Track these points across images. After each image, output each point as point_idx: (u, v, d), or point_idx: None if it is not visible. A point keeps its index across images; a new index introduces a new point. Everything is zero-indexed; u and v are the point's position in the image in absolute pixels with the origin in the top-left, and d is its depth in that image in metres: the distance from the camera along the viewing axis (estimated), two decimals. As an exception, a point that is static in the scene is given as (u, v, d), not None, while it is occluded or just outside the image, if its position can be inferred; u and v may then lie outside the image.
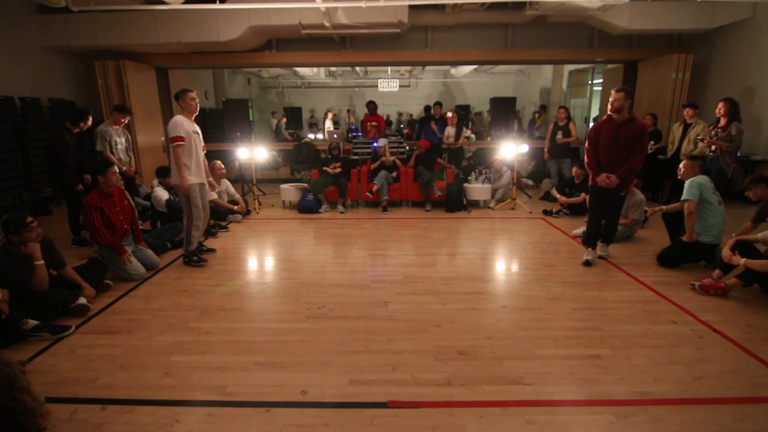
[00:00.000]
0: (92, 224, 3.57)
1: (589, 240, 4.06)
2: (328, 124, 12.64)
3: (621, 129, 3.67)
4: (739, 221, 5.33)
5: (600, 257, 4.09)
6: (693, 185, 3.61)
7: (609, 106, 3.68)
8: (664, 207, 4.20)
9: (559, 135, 6.81)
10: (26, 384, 0.94)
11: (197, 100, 3.96)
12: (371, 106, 7.92)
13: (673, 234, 4.26)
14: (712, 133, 5.23)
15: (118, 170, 3.85)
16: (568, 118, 6.94)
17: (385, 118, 14.06)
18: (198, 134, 3.99)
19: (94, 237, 3.65)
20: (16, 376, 0.92)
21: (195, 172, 3.91)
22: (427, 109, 7.92)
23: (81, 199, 4.60)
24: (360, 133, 7.98)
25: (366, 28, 7.02)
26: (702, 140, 5.31)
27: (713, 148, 5.19)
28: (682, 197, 3.67)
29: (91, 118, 4.67)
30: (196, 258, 4.04)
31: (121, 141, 4.92)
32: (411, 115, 16.18)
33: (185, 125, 3.84)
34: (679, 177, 3.99)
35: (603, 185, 3.76)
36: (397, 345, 2.58)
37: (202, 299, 3.28)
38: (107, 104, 6.89)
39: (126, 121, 4.98)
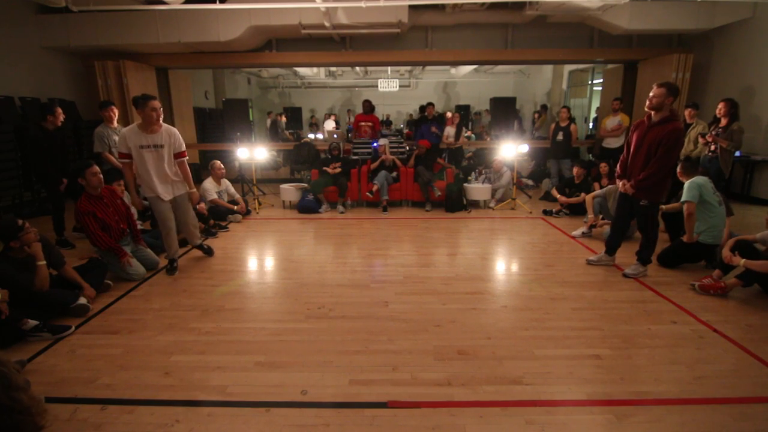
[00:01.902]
0: (88, 229, 3.54)
1: (607, 245, 3.90)
2: (330, 124, 12.67)
3: (650, 131, 3.28)
4: (739, 221, 5.35)
5: (624, 275, 3.64)
6: (692, 186, 3.60)
7: (647, 102, 3.28)
8: (663, 206, 4.19)
9: (560, 135, 6.80)
10: (22, 382, 0.94)
11: (160, 111, 3.47)
12: (366, 105, 7.73)
13: (673, 234, 4.26)
14: (713, 133, 5.23)
15: (99, 170, 3.68)
16: (570, 119, 6.93)
17: (384, 117, 14.10)
18: (158, 147, 3.51)
19: (93, 242, 3.63)
20: (12, 375, 0.92)
21: (152, 187, 3.59)
22: (422, 109, 7.86)
23: (64, 200, 4.59)
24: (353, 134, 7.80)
25: (366, 28, 7.03)
26: (704, 136, 5.30)
27: (713, 147, 5.19)
28: (682, 198, 3.66)
29: (59, 113, 4.48)
30: (169, 267, 3.85)
31: None
32: (410, 115, 16.20)
33: (133, 138, 3.44)
34: (679, 178, 3.99)
35: (621, 190, 3.61)
36: (397, 345, 2.58)
37: (202, 299, 3.28)
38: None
39: (116, 114, 4.91)
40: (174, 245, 3.86)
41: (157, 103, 3.43)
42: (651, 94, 3.27)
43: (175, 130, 3.65)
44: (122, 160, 3.54)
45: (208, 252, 4.30)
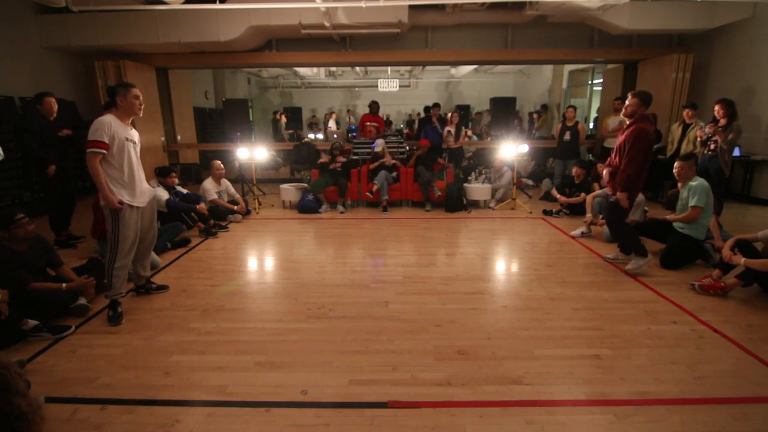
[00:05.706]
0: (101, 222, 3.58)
1: (621, 245, 4.03)
2: (332, 124, 12.74)
3: (624, 134, 3.56)
4: (739, 220, 5.35)
5: (627, 271, 3.70)
6: (705, 191, 3.66)
7: (623, 111, 3.60)
8: (668, 217, 4.06)
9: (567, 135, 6.79)
10: (22, 387, 0.93)
11: (141, 99, 2.95)
12: (374, 106, 7.75)
13: (662, 238, 4.19)
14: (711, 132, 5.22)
15: None
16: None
17: (384, 117, 14.11)
18: (135, 144, 2.99)
19: (102, 233, 3.66)
20: (12, 380, 0.91)
21: (130, 191, 2.91)
22: (426, 109, 7.90)
23: (61, 198, 4.55)
24: (355, 134, 7.83)
25: (366, 28, 7.03)
26: (702, 128, 5.25)
27: (711, 146, 5.18)
28: (696, 203, 3.66)
29: (48, 102, 4.47)
30: (112, 313, 2.92)
31: None
32: (409, 115, 16.20)
33: (116, 129, 2.83)
34: (677, 178, 3.98)
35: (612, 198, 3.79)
36: (397, 345, 2.58)
37: (202, 299, 3.28)
38: (107, 104, 6.90)
39: None
40: (124, 275, 2.98)
41: (138, 92, 2.93)
42: (626, 102, 3.55)
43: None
44: (97, 150, 2.73)
45: (159, 288, 3.42)
